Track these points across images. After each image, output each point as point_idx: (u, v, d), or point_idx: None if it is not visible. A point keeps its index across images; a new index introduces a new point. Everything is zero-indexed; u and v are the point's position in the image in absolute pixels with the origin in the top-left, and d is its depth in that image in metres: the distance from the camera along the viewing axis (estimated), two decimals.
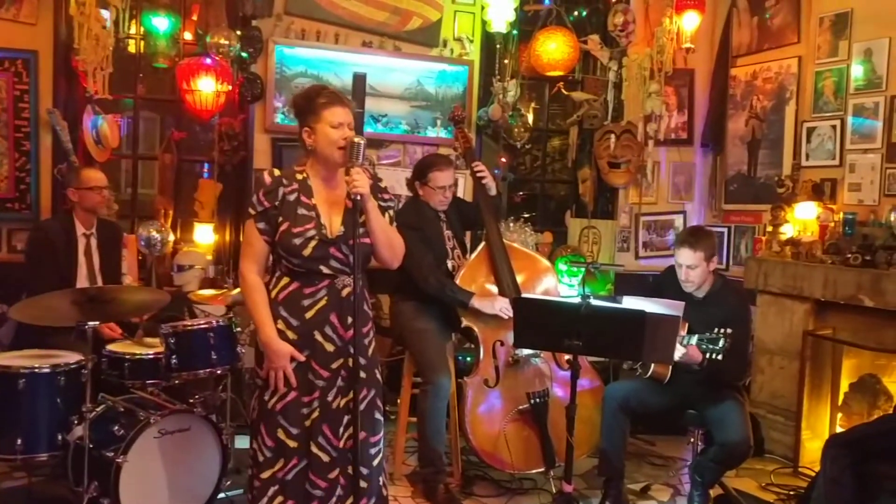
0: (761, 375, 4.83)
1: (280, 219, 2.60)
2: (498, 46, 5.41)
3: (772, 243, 4.88)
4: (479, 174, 4.04)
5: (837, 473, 3.18)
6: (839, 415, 4.51)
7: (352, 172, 2.53)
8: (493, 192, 4.09)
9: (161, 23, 4.86)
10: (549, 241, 5.61)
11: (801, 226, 4.80)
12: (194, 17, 5.19)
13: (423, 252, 3.77)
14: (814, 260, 4.54)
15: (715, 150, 5.82)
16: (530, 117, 5.67)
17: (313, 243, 2.58)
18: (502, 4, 5.20)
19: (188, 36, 5.12)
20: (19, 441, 3.19)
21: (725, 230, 5.64)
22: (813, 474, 4.08)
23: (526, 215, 5.86)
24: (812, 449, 4.36)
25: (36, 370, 3.24)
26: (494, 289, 3.91)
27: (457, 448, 3.99)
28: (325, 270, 2.61)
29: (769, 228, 4.98)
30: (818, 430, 4.51)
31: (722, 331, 3.34)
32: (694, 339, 3.39)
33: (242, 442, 3.81)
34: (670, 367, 3.54)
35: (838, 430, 4.43)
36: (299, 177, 2.67)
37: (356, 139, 2.55)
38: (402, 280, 3.78)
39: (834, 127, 4.85)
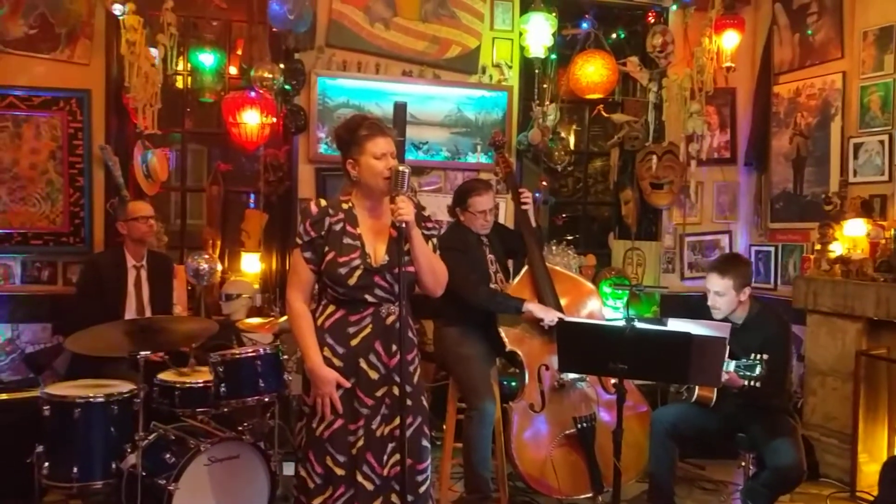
0: (813, 397, 4.72)
1: (326, 248, 2.64)
2: (536, 71, 5.45)
3: (820, 262, 4.79)
4: (524, 204, 4.06)
5: None
6: None
7: (397, 200, 2.56)
8: (533, 222, 4.10)
9: (207, 59, 5.01)
10: (592, 263, 5.58)
11: (851, 243, 4.70)
12: (239, 52, 5.33)
13: (468, 269, 3.78)
14: (865, 278, 4.44)
15: (759, 168, 5.75)
16: (570, 140, 5.67)
17: (358, 272, 2.61)
18: (540, 30, 5.25)
19: (233, 70, 5.25)
20: (75, 469, 3.27)
21: (772, 249, 5.56)
22: (871, 499, 3.99)
23: (568, 238, 5.85)
24: (869, 472, 4.24)
25: (91, 399, 3.32)
26: None
27: (503, 474, 3.97)
28: (370, 299, 2.64)
29: (817, 247, 4.89)
30: (875, 452, 4.39)
31: (759, 357, 3.29)
32: (731, 366, 3.34)
33: (290, 469, 3.83)
34: (715, 390, 3.49)
35: None
36: (345, 206, 2.71)
37: (401, 168, 2.58)
38: (446, 305, 3.78)
39: (882, 142, 4.76)
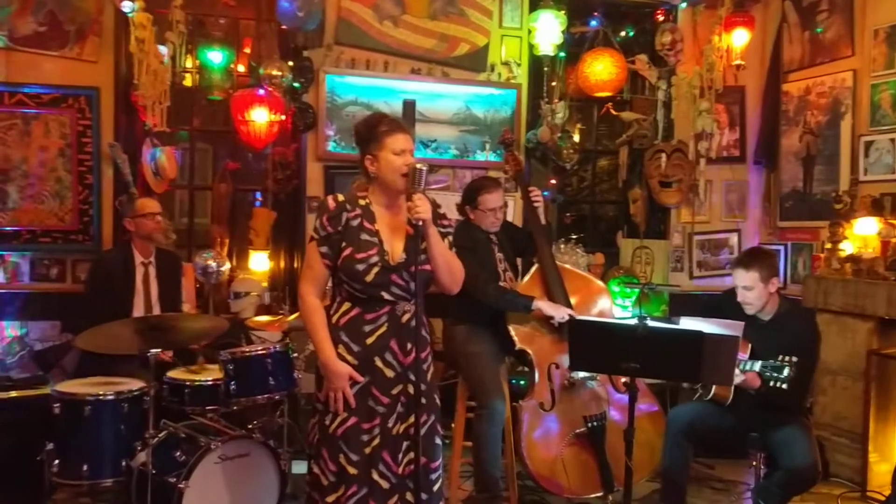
0: (824, 397, 4.70)
1: (343, 244, 2.63)
2: (545, 69, 5.43)
3: (831, 261, 4.77)
4: (535, 202, 4.04)
5: None
6: None
7: (414, 198, 2.55)
8: (543, 220, 4.10)
9: (216, 57, 4.99)
10: (600, 262, 5.56)
11: (861, 242, 4.68)
12: (247, 50, 5.31)
13: (477, 268, 3.76)
14: (876, 277, 4.42)
15: (768, 166, 5.73)
16: (579, 138, 5.66)
17: (376, 269, 2.60)
18: (549, 28, 5.23)
19: (241, 69, 5.24)
20: (85, 467, 3.27)
21: (782, 248, 5.54)
22: (882, 499, 3.97)
23: (576, 236, 5.83)
24: (880, 472, 4.22)
25: (101, 397, 3.32)
26: None
27: (513, 473, 3.95)
28: (386, 297, 2.63)
29: (828, 245, 4.87)
30: (886, 452, 4.36)
31: (788, 359, 3.25)
32: (757, 366, 3.30)
33: (300, 467, 3.84)
34: (732, 388, 3.47)
35: None
36: (362, 202, 2.69)
37: (418, 166, 2.57)
38: (455, 303, 3.76)
39: (893, 140, 4.74)
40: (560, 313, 3.77)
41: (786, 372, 3.23)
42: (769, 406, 3.44)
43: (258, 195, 5.47)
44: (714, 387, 3.51)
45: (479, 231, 3.95)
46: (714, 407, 3.58)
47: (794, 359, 3.23)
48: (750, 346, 3.43)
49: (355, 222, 2.65)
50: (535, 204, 4.04)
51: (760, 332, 3.42)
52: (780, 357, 3.26)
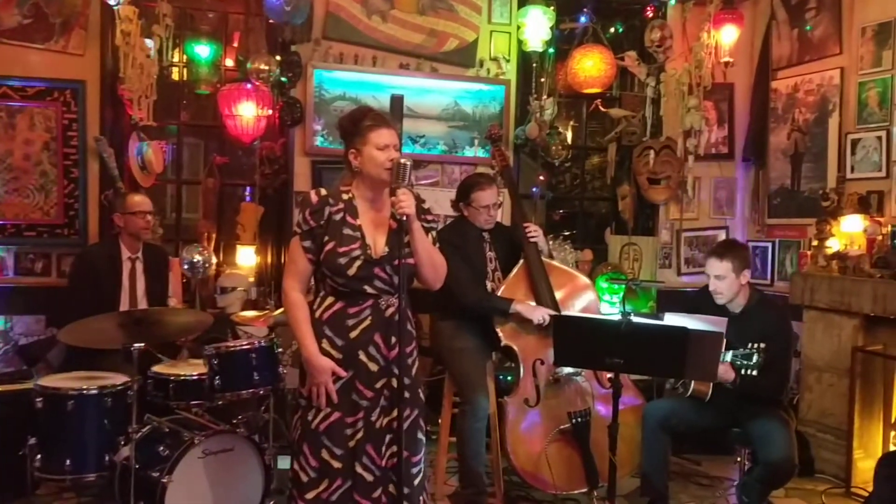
0: (809, 393, 4.72)
1: (325, 238, 2.63)
2: (534, 65, 5.43)
3: (818, 258, 4.78)
4: (531, 236, 3.97)
5: (891, 493, 3.09)
6: (892, 433, 4.39)
7: (398, 193, 2.56)
8: (545, 252, 4.05)
9: (203, 50, 4.98)
10: (589, 258, 5.56)
11: (848, 239, 4.70)
12: (235, 45, 5.30)
13: (462, 267, 3.75)
14: (862, 274, 4.43)
15: (757, 164, 5.73)
16: (568, 135, 5.65)
17: (358, 263, 2.61)
18: (538, 23, 5.22)
19: (229, 63, 5.22)
20: (68, 462, 3.26)
21: (769, 245, 5.55)
22: (866, 495, 3.98)
23: (565, 233, 5.84)
24: (864, 469, 4.24)
25: (84, 392, 3.30)
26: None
27: (498, 468, 3.95)
28: (369, 290, 2.63)
29: (815, 243, 4.88)
30: (870, 448, 4.39)
31: (756, 346, 3.29)
32: (728, 356, 3.34)
33: (285, 462, 3.81)
34: (711, 385, 3.49)
35: (892, 448, 4.31)
36: (345, 197, 2.70)
37: (402, 160, 2.57)
38: (442, 299, 3.75)
39: (879, 138, 4.75)
40: (537, 315, 3.77)
41: (755, 359, 3.29)
42: (748, 399, 3.46)
43: (247, 190, 5.45)
44: (693, 383, 3.53)
45: (473, 228, 3.95)
46: (693, 402, 3.60)
47: (762, 345, 3.28)
48: (724, 340, 3.44)
49: (338, 216, 2.65)
50: (531, 237, 3.98)
51: (732, 323, 3.44)
52: (750, 345, 3.29)
